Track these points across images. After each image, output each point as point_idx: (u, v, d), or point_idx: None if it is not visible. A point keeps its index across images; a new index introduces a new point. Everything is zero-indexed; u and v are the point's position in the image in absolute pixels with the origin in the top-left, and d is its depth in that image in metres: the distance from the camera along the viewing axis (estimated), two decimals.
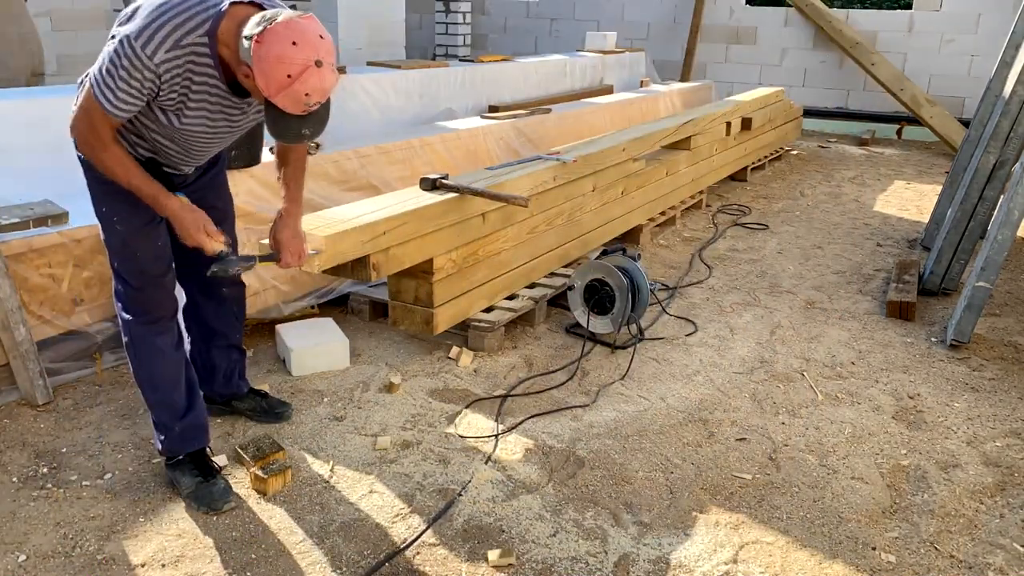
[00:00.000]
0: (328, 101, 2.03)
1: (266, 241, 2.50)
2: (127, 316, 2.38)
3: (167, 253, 2.39)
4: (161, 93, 2.02)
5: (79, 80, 2.15)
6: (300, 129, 2.00)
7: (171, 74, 1.99)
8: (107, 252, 2.35)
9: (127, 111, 2.04)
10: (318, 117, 2.01)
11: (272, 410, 2.89)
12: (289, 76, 1.86)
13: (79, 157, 2.28)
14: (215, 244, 2.22)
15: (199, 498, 2.39)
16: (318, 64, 1.88)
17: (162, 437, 2.45)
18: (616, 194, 4.58)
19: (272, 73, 1.87)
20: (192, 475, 2.44)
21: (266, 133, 2.95)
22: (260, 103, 2.10)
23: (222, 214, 2.52)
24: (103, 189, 2.26)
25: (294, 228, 2.44)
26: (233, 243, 2.61)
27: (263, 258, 2.43)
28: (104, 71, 1.99)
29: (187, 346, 2.71)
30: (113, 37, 2.01)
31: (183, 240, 2.22)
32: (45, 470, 2.56)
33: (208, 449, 2.53)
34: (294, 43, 1.86)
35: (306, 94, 1.89)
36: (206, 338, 2.76)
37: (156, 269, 2.36)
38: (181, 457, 2.47)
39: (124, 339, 2.42)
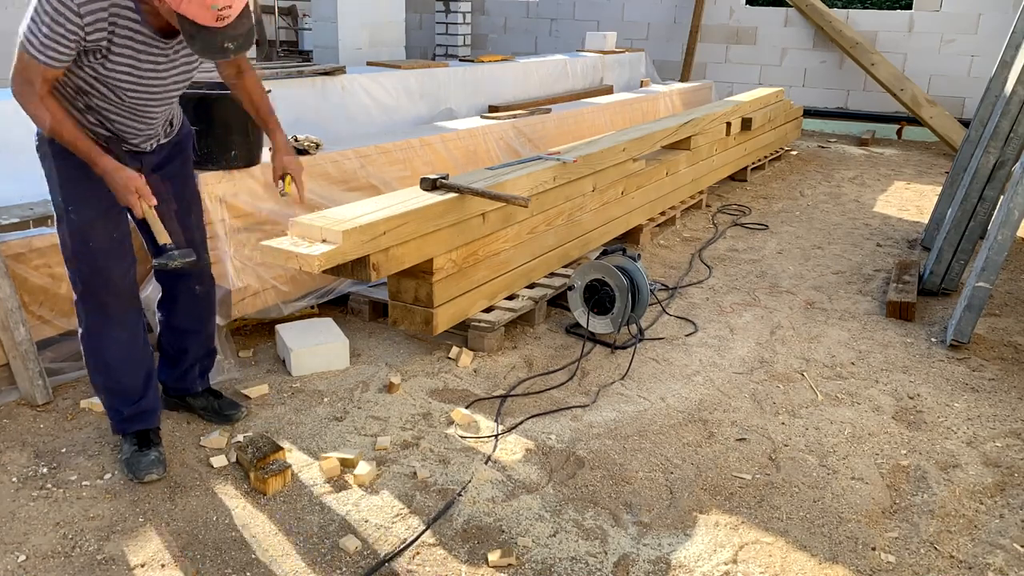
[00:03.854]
0: (248, 13, 2.06)
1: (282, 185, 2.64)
2: (80, 303, 2.46)
3: (123, 245, 2.44)
4: (87, 37, 2.07)
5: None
6: (221, 42, 2.03)
7: (94, 16, 2.05)
8: (59, 242, 2.41)
9: (56, 58, 2.09)
10: (238, 30, 2.04)
11: (222, 411, 2.86)
12: None
13: (35, 140, 2.36)
14: (144, 206, 2.27)
15: (129, 464, 2.52)
16: None
17: (113, 418, 2.60)
18: (616, 194, 4.58)
19: None
20: (131, 444, 2.56)
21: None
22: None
23: (187, 206, 2.59)
24: (60, 176, 2.33)
25: (290, 151, 2.61)
26: (202, 238, 2.68)
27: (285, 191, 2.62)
28: (31, 20, 2.07)
29: (155, 333, 2.88)
30: None
31: (118, 200, 2.28)
32: (45, 470, 2.56)
33: (156, 428, 2.63)
34: None
35: None
36: (176, 331, 2.79)
37: (108, 260, 2.40)
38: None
39: (79, 328, 2.50)
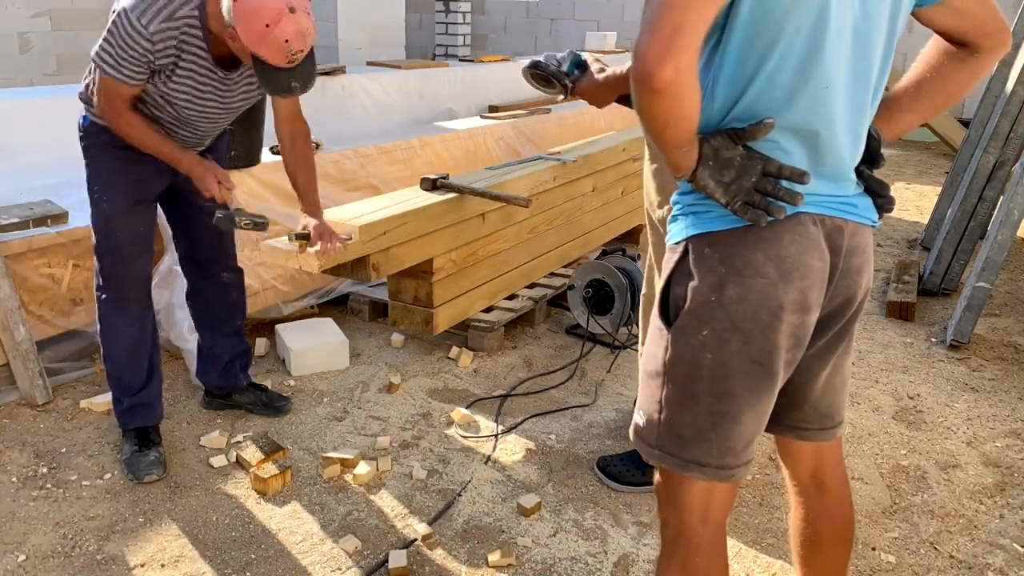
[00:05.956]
0: (313, 56, 2.20)
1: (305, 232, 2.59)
2: (99, 293, 2.56)
3: (146, 241, 2.54)
4: (156, 61, 2.18)
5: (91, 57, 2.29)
6: (289, 82, 2.17)
7: (164, 44, 2.15)
8: (91, 230, 2.51)
9: (133, 78, 2.20)
10: (304, 71, 2.19)
11: (271, 403, 2.92)
12: (267, 25, 2.04)
13: (79, 128, 2.45)
14: (224, 193, 2.40)
15: (129, 465, 2.55)
16: (291, 10, 2.06)
17: (116, 408, 2.65)
18: (616, 194, 4.58)
19: (251, 25, 2.05)
20: (132, 443, 2.59)
21: (267, 133, 2.97)
22: (248, 64, 2.23)
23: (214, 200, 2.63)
24: (98, 167, 2.44)
25: (323, 222, 2.57)
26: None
27: (299, 235, 2.53)
28: (105, 43, 2.17)
29: (193, 337, 2.96)
30: (113, 12, 2.16)
31: (201, 191, 2.39)
32: (45, 470, 2.56)
33: (155, 427, 2.66)
34: None
35: (285, 40, 2.06)
36: (209, 325, 2.83)
37: (130, 252, 2.51)
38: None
39: (96, 315, 2.61)
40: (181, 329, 3.08)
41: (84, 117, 2.43)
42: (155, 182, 2.48)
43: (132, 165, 2.40)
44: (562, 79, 2.11)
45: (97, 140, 2.41)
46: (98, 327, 2.60)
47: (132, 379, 2.60)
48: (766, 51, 1.24)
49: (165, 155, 2.34)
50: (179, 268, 2.99)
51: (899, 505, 2.52)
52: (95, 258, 2.52)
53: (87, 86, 2.35)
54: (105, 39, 2.16)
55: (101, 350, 2.63)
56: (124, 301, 2.54)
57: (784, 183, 1.28)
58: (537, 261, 3.92)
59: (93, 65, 2.25)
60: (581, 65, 2.12)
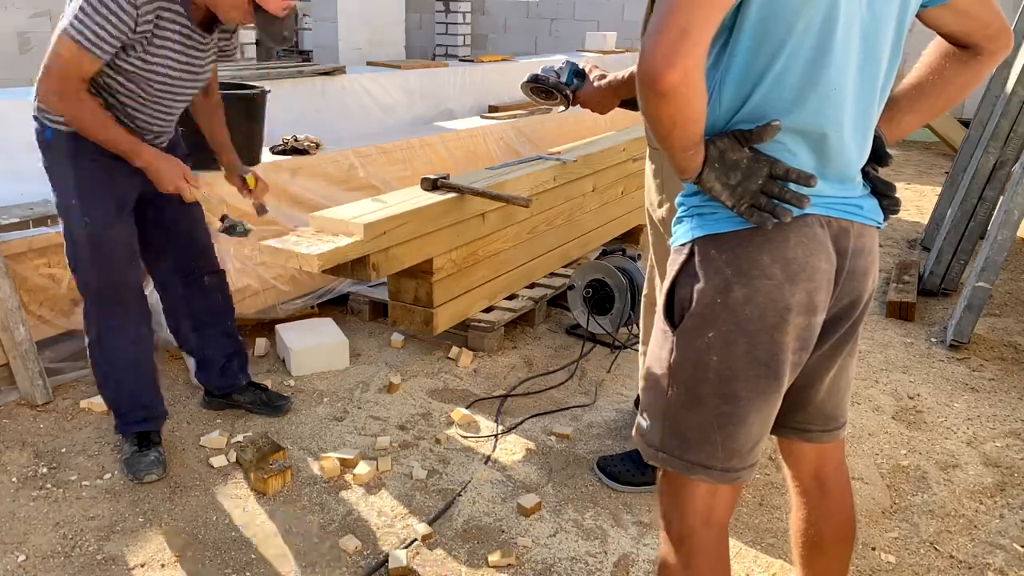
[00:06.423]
0: (295, 10, 2.33)
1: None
2: (95, 310, 2.49)
3: (134, 247, 2.49)
4: (136, 29, 2.14)
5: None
6: (281, 31, 2.29)
7: (147, 9, 2.14)
8: (66, 245, 2.41)
9: (105, 50, 2.13)
10: (289, 22, 2.30)
11: (271, 403, 2.92)
12: None
13: (39, 142, 2.35)
14: (193, 191, 2.36)
15: (129, 465, 2.53)
16: None
17: (119, 420, 2.61)
18: (616, 194, 4.58)
19: None
20: (132, 444, 2.57)
21: (267, 133, 2.97)
22: (225, 24, 2.31)
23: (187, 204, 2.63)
24: (70, 181, 2.32)
25: (243, 169, 2.70)
26: (204, 228, 2.72)
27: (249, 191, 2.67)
28: (80, 12, 2.09)
29: (166, 337, 2.94)
30: None
31: (160, 189, 2.34)
32: (45, 470, 2.56)
33: (156, 431, 2.64)
34: None
35: None
36: (197, 327, 2.80)
37: (122, 262, 2.45)
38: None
39: (88, 334, 2.53)
40: None
41: (46, 129, 2.31)
42: (133, 184, 2.38)
43: (111, 171, 2.30)
44: (563, 90, 2.10)
45: (68, 150, 2.29)
46: (93, 345, 2.51)
47: (139, 389, 2.57)
48: (775, 52, 1.24)
49: (122, 146, 2.24)
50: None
51: (899, 505, 2.52)
52: (77, 274, 2.41)
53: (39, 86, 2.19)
54: (82, 8, 2.07)
55: (98, 366, 2.54)
56: (122, 311, 2.49)
57: (791, 186, 1.27)
58: (537, 261, 3.92)
59: (50, 48, 2.11)
60: (580, 74, 2.12)
